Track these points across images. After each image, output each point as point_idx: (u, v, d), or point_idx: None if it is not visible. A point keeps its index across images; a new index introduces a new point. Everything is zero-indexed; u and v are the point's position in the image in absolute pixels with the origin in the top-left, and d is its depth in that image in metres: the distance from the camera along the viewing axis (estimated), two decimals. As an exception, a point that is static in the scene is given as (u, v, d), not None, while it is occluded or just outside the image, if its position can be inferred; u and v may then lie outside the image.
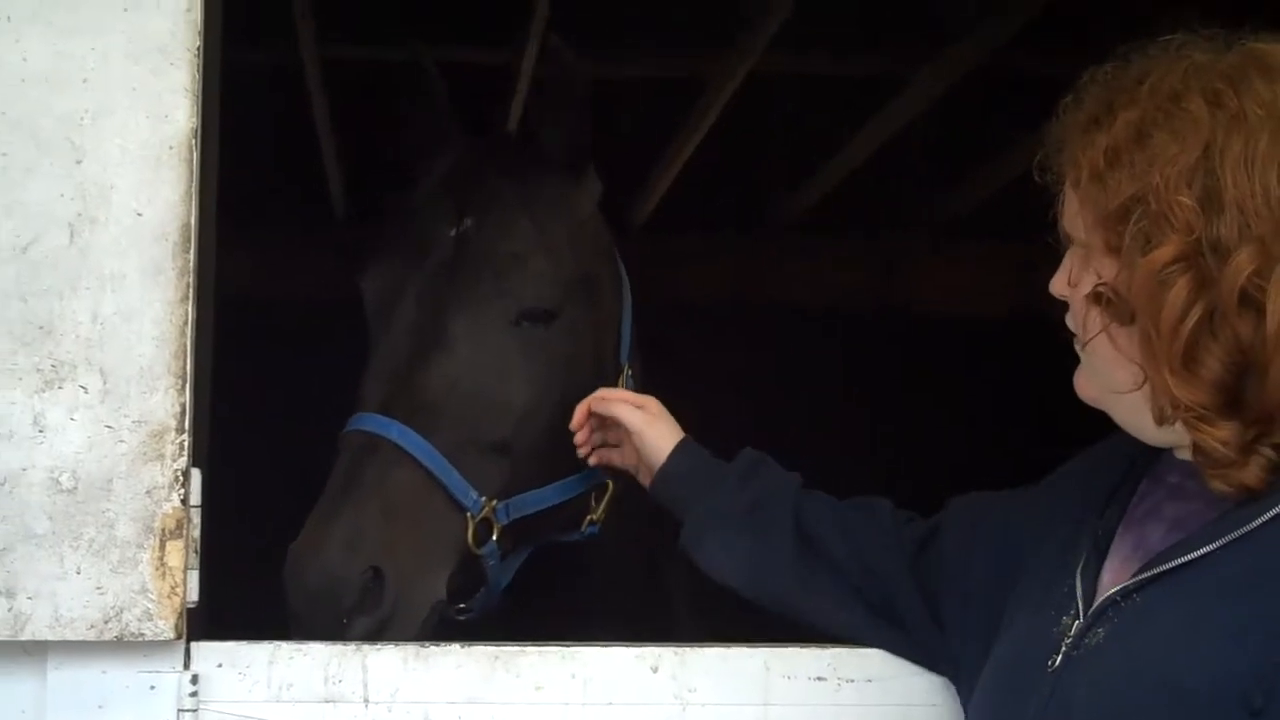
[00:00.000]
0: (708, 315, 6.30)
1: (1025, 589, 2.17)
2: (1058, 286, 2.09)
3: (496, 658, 2.40)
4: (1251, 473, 1.86)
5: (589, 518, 3.26)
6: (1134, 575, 1.96)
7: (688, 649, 2.44)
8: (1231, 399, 1.87)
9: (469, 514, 2.94)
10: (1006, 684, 2.08)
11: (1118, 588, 1.97)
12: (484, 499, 2.97)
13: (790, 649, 2.46)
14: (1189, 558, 1.89)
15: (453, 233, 3.18)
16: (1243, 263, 1.82)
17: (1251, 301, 1.83)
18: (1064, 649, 1.98)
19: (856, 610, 2.51)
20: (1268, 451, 1.86)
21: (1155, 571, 1.92)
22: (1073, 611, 2.02)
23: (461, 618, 3.01)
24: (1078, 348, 2.09)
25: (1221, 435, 1.87)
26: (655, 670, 2.42)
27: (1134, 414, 2.01)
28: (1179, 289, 1.86)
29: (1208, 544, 1.88)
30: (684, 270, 6.28)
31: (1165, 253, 1.86)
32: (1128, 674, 1.88)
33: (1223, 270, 1.83)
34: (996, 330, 6.23)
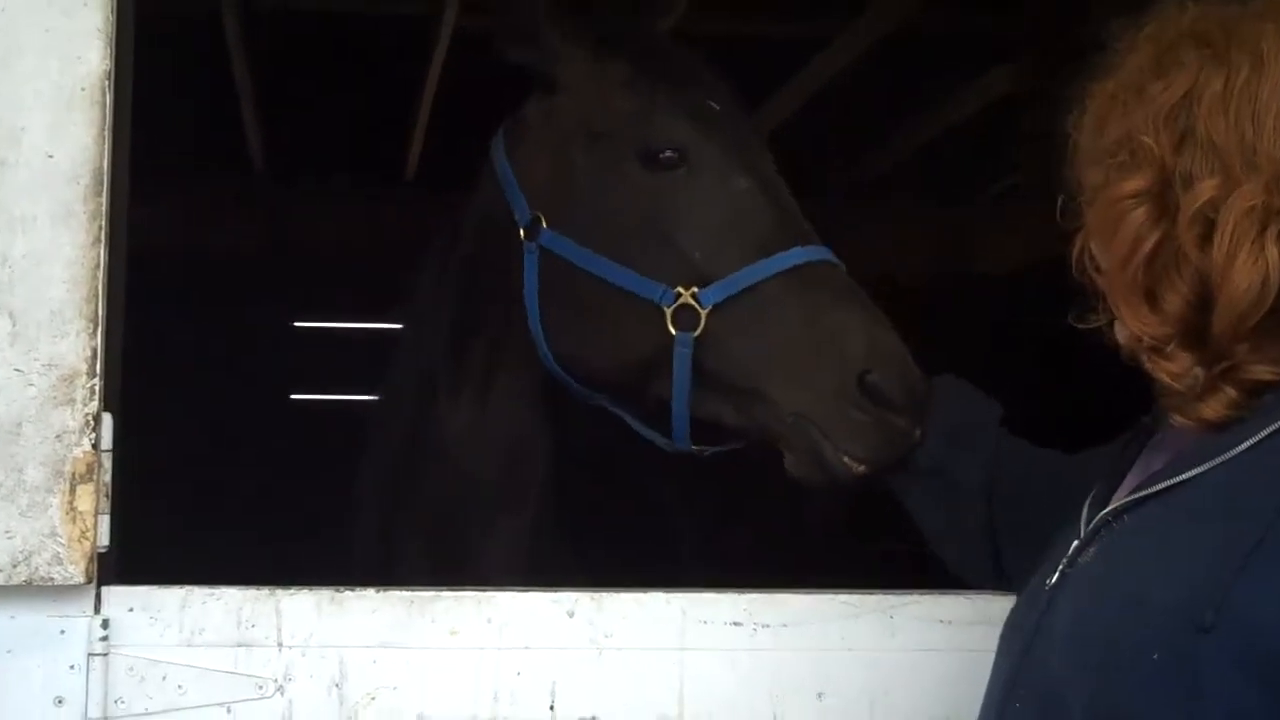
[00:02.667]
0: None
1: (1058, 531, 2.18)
2: None
3: (411, 602, 2.40)
4: (1211, 408, 1.89)
5: None
6: (1126, 497, 1.99)
7: (604, 594, 2.45)
8: (1192, 332, 1.90)
9: None
10: (1021, 604, 2.12)
11: (1109, 508, 2.00)
12: None
13: (707, 594, 2.48)
14: (1177, 480, 1.90)
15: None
16: (1203, 190, 1.86)
17: (1211, 233, 1.86)
18: (1061, 567, 2.01)
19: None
20: (1230, 390, 1.88)
21: (1144, 493, 1.94)
22: (1077, 534, 2.05)
23: None
24: None
25: (1173, 368, 1.90)
26: (571, 615, 2.43)
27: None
28: (1133, 219, 1.90)
29: (1194, 467, 1.89)
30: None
31: (1129, 185, 1.91)
32: (1103, 588, 1.91)
33: (1184, 199, 1.87)
34: (918, 289, 6.27)
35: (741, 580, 2.55)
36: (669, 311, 2.90)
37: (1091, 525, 2.01)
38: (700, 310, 2.88)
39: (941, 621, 2.50)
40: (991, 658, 2.46)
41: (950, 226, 6.84)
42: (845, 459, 2.72)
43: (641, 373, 3.02)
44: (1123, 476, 2.11)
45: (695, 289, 2.90)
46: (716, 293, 2.88)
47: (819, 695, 2.47)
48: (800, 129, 5.74)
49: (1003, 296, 6.11)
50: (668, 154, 3.02)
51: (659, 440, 3.10)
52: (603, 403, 3.22)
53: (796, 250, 2.89)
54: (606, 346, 3.06)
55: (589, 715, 2.43)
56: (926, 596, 2.51)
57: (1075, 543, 2.02)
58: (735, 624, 2.46)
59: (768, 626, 2.47)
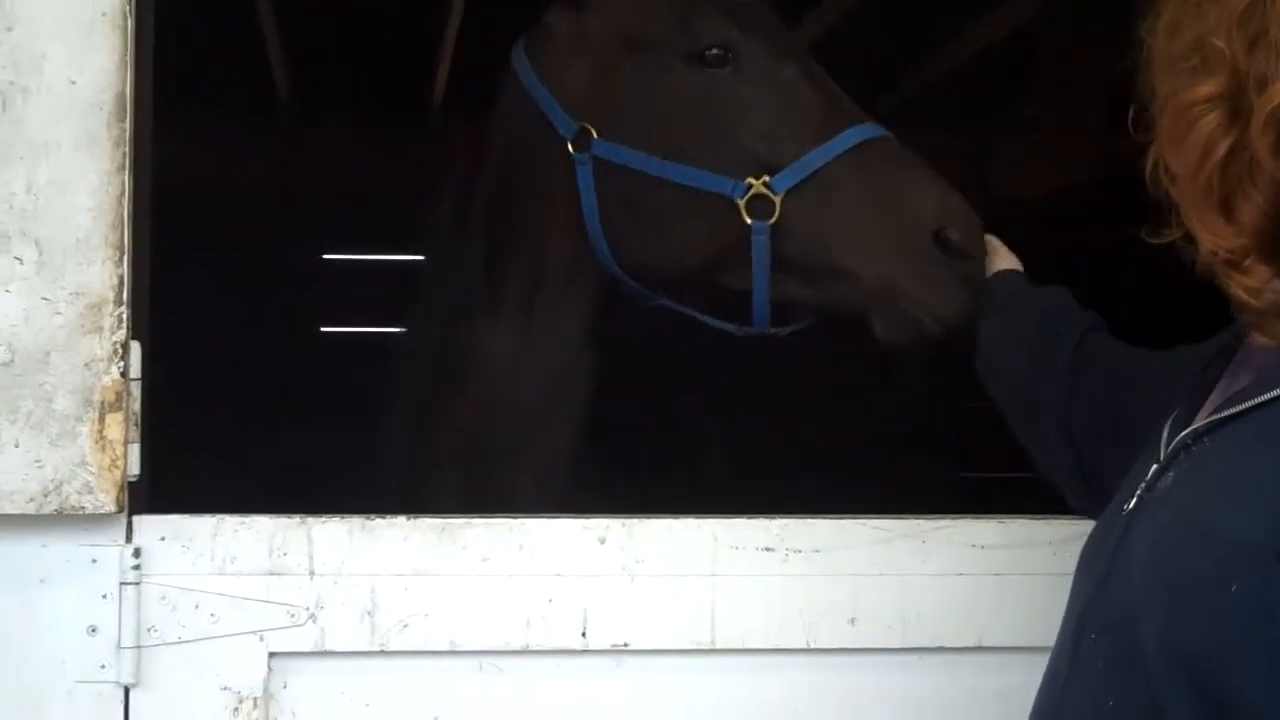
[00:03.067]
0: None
1: (1141, 446, 2.07)
2: None
3: (443, 529, 2.39)
4: None
5: None
6: (1207, 418, 1.87)
7: (635, 520, 2.44)
8: (1269, 243, 1.78)
9: None
10: (1098, 529, 2.02)
11: (1188, 430, 1.89)
12: None
13: (738, 520, 2.47)
14: (1258, 401, 1.79)
15: None
16: (1276, 93, 1.73)
17: None
18: (1139, 492, 1.91)
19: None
20: None
21: (1225, 414, 1.83)
22: (1156, 457, 1.94)
23: None
24: None
25: (1249, 283, 1.80)
26: (603, 541, 2.42)
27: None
28: (1204, 126, 1.79)
29: (1275, 388, 1.77)
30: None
31: (1201, 91, 1.79)
32: (1179, 516, 1.80)
33: (1257, 103, 1.74)
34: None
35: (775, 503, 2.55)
36: (742, 203, 2.99)
37: (1171, 448, 1.91)
38: (774, 197, 2.96)
39: (974, 546, 2.49)
40: (1024, 582, 2.47)
41: (971, 154, 6.81)
42: (929, 315, 2.86)
43: (716, 266, 3.10)
44: (1206, 395, 1.99)
45: (766, 178, 2.98)
46: (788, 178, 2.97)
47: (851, 620, 2.46)
48: (821, 58, 5.70)
49: (1023, 223, 6.09)
50: (714, 52, 3.09)
51: (730, 328, 3.18)
52: (666, 302, 3.27)
53: (853, 130, 3.00)
54: (678, 246, 3.13)
55: (621, 642, 2.42)
56: (959, 521, 2.50)
57: (1154, 466, 1.92)
58: (767, 549, 2.45)
59: (799, 552, 2.46)
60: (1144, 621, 1.77)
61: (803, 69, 3.11)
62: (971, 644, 2.48)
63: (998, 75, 6.53)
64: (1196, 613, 1.71)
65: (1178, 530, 1.79)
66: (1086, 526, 2.43)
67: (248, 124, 6.04)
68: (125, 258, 2.29)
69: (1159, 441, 1.96)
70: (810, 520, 2.48)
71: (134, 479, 2.30)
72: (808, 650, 2.46)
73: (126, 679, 2.30)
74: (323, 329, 8.41)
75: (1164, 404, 2.06)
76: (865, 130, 3.00)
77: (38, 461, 2.24)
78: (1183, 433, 1.90)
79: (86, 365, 2.27)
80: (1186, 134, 1.82)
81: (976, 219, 2.89)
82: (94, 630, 2.30)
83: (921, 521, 2.49)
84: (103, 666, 2.30)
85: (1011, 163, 6.85)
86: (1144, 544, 1.84)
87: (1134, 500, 1.91)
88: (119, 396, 2.27)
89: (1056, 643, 1.99)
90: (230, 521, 2.36)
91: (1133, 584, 1.82)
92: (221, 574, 2.34)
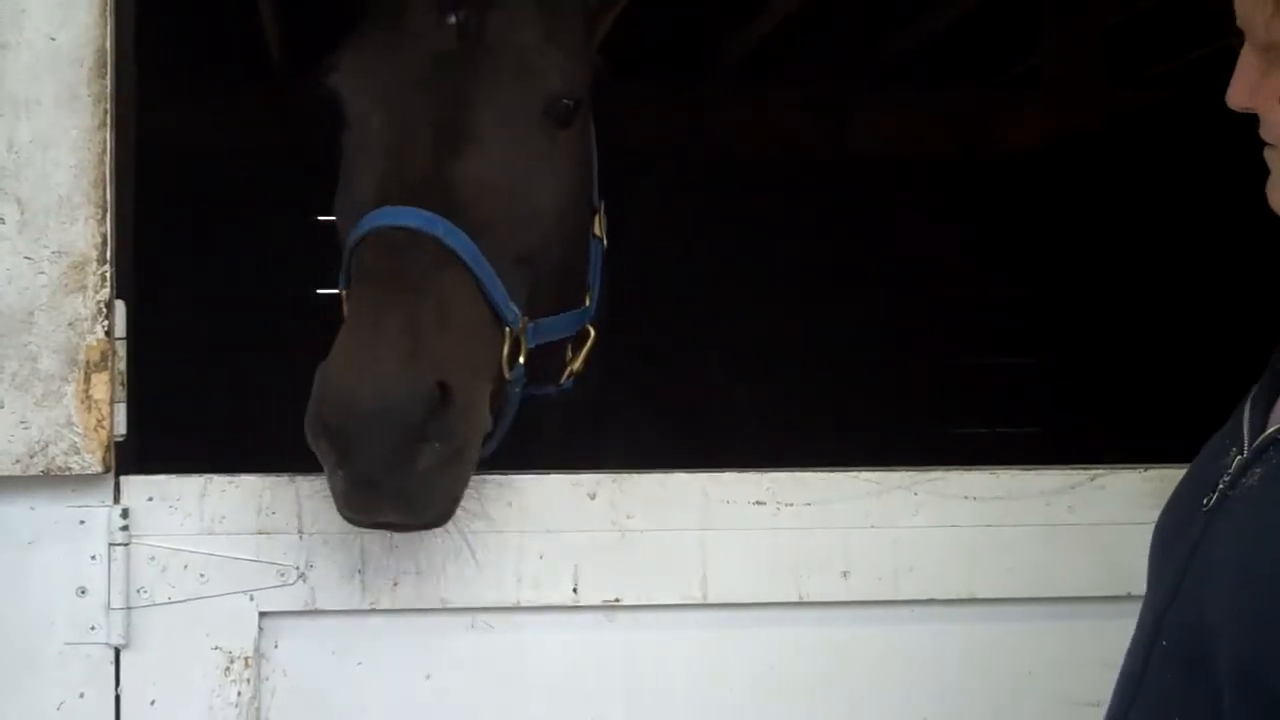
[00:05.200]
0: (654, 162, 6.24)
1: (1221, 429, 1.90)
2: (1236, 96, 1.78)
3: (432, 487, 2.38)
4: None
5: (569, 369, 2.88)
6: None
7: (626, 475, 2.43)
8: None
9: (507, 330, 2.51)
10: (1171, 520, 1.85)
11: (1276, 426, 1.70)
12: (521, 315, 2.55)
13: (729, 474, 2.46)
14: None
15: (451, 20, 2.68)
16: None
17: None
18: (1220, 487, 1.74)
19: None
20: None
21: None
22: (1238, 446, 1.76)
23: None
24: (1268, 157, 1.79)
25: None
26: (593, 497, 2.41)
27: None
28: None
29: None
30: (628, 117, 6.19)
31: None
32: (1266, 534, 1.63)
33: None
34: (945, 171, 6.20)
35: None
36: None
37: (1257, 444, 1.72)
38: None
39: (965, 497, 2.48)
40: (1016, 533, 2.46)
41: (968, 109, 6.80)
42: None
43: None
44: None
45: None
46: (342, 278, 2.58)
47: (844, 574, 2.45)
48: (818, 12, 5.67)
49: (1021, 178, 6.08)
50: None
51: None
52: None
53: (373, 215, 2.48)
54: None
55: (612, 597, 2.42)
56: (950, 472, 2.49)
57: (1238, 458, 1.74)
58: (758, 504, 2.44)
59: (790, 505, 2.45)
60: (1221, 642, 1.66)
61: (395, 116, 2.62)
62: (964, 595, 2.48)
63: (998, 28, 6.50)
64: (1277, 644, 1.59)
65: (1264, 552, 1.65)
66: (1078, 477, 2.44)
67: (240, 84, 6.01)
68: (109, 216, 2.28)
69: (1240, 424, 1.79)
70: (801, 474, 2.47)
71: (120, 439, 2.29)
72: (800, 604, 2.45)
73: (117, 640, 2.29)
74: (318, 290, 8.40)
75: None
76: (386, 215, 2.45)
77: (23, 422, 2.23)
78: (1272, 428, 1.73)
79: (71, 325, 2.25)
80: None
81: (344, 387, 2.18)
82: (84, 591, 2.29)
83: (913, 473, 2.48)
84: (93, 628, 2.29)
85: (1011, 116, 6.82)
86: (1226, 554, 1.70)
87: (1215, 495, 1.75)
88: (104, 356, 2.26)
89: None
90: (218, 481, 2.35)
91: (1212, 598, 1.69)
92: (210, 534, 2.33)
